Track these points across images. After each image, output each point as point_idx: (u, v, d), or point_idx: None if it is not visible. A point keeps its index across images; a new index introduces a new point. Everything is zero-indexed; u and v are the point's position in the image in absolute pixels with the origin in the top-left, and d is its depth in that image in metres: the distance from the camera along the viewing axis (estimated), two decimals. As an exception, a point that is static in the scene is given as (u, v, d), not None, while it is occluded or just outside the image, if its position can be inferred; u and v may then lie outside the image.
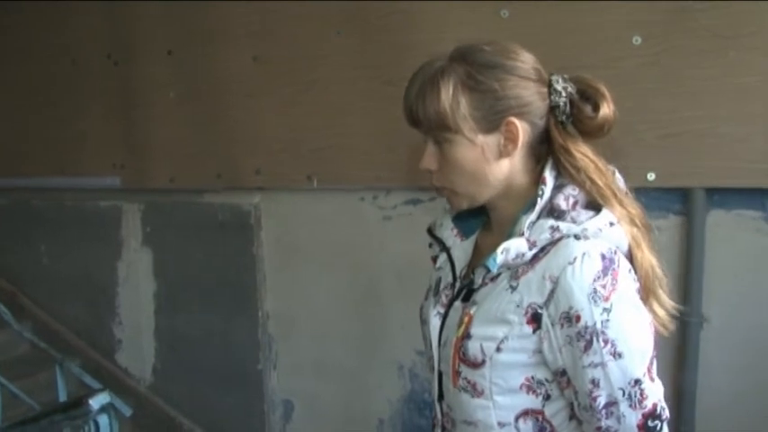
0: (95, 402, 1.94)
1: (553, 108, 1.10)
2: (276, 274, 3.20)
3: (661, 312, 1.13)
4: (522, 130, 1.08)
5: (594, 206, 1.08)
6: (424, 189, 2.72)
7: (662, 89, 2.21)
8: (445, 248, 1.23)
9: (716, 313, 2.27)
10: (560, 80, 1.10)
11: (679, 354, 2.33)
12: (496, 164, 1.09)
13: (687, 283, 2.28)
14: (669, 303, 1.13)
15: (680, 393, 2.33)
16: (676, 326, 2.28)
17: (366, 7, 2.69)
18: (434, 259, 1.28)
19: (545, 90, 1.09)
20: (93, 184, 3.63)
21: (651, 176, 2.25)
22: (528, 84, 1.08)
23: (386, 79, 2.69)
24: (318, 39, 2.83)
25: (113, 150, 3.53)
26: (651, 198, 2.31)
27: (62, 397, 2.54)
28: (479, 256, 1.18)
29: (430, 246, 1.30)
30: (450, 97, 1.06)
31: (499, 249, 1.04)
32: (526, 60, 1.09)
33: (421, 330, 1.26)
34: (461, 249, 1.21)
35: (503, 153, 1.09)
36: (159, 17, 3.27)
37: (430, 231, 1.28)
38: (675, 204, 2.30)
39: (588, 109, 1.09)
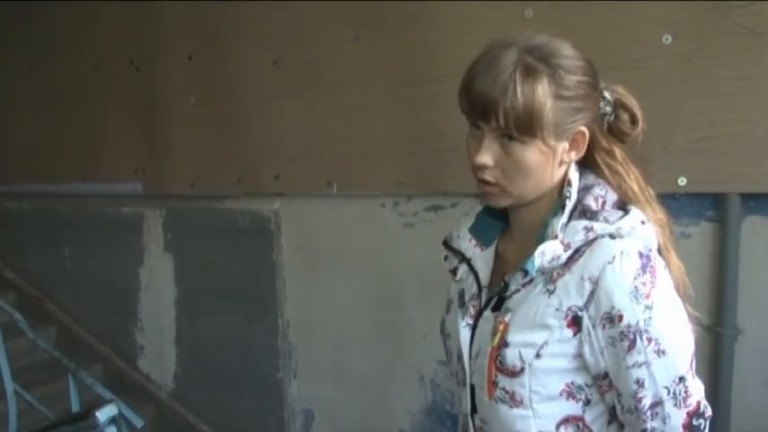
0: (102, 415, 1.91)
1: (601, 115, 1.11)
2: (296, 280, 3.17)
3: None
4: (587, 138, 1.08)
5: (620, 206, 1.08)
6: (446, 195, 2.66)
7: (694, 90, 2.13)
8: (465, 259, 1.19)
9: (751, 325, 2.18)
10: (606, 88, 1.11)
11: (712, 367, 2.23)
12: (556, 169, 1.07)
13: (721, 293, 2.19)
14: (692, 313, 1.09)
15: (713, 408, 2.23)
16: (709, 338, 2.22)
17: (385, 7, 2.65)
18: (453, 272, 1.24)
19: (598, 97, 1.10)
20: (115, 190, 3.64)
21: (682, 181, 2.17)
22: (595, 94, 1.08)
23: (406, 82, 2.64)
24: (337, 42, 2.79)
25: (135, 156, 3.53)
26: (682, 203, 2.23)
27: (75, 407, 2.51)
28: (502, 264, 1.15)
29: (445, 258, 1.26)
30: (542, 99, 1.01)
31: (537, 252, 1.02)
32: (593, 67, 1.09)
33: (444, 345, 1.23)
34: (483, 259, 1.17)
35: (563, 159, 1.07)
36: (180, 23, 3.28)
37: (446, 244, 1.24)
38: (708, 210, 2.21)
39: (627, 118, 1.11)
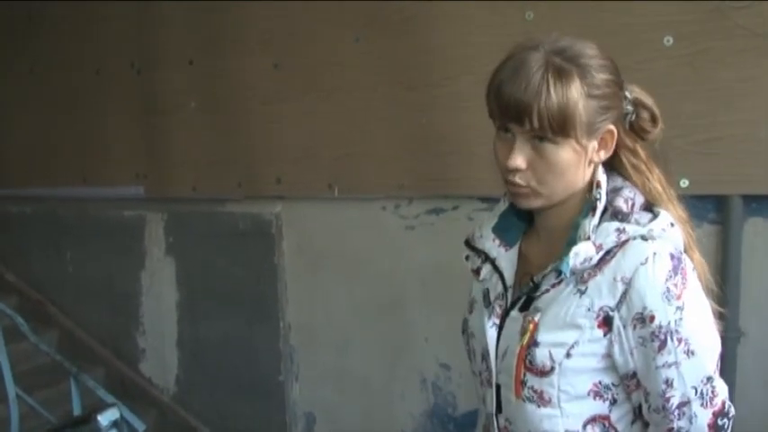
0: (104, 419, 1.91)
1: (624, 114, 1.11)
2: (297, 283, 3.16)
3: None
4: (615, 136, 1.09)
5: (646, 208, 1.10)
6: (447, 197, 2.66)
7: (695, 92, 2.12)
8: (489, 259, 1.20)
9: (754, 327, 2.17)
10: (625, 87, 1.11)
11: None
12: (586, 169, 1.09)
13: (723, 296, 2.17)
14: (715, 307, 1.11)
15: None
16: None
17: (386, 10, 2.65)
18: (476, 271, 1.23)
19: (622, 96, 1.11)
20: (117, 193, 3.65)
21: (684, 183, 2.15)
22: (621, 92, 1.09)
23: (407, 84, 2.63)
24: (338, 45, 2.79)
25: (136, 160, 3.53)
26: (684, 205, 2.23)
27: (77, 410, 2.51)
28: (525, 264, 1.16)
29: (467, 258, 1.27)
30: (575, 99, 1.02)
31: (571, 253, 1.04)
32: (616, 66, 1.09)
33: (467, 345, 1.24)
34: (507, 259, 1.18)
35: (593, 159, 1.08)
36: (180, 28, 3.28)
37: (468, 243, 1.25)
38: (710, 212, 2.20)
39: (647, 117, 1.12)
